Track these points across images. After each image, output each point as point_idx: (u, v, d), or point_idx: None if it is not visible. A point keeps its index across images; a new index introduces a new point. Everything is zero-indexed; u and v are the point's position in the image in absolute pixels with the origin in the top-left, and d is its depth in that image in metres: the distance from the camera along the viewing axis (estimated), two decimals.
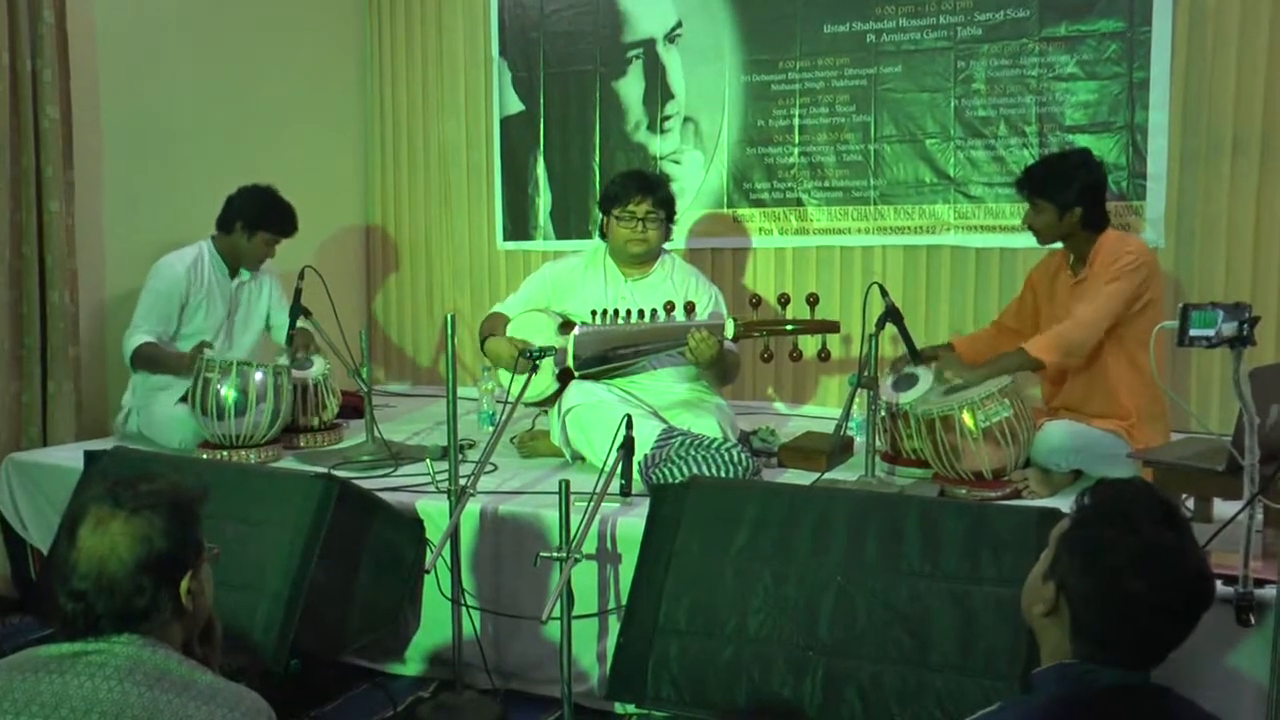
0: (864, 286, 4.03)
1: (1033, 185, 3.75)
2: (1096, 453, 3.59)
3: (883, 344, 3.78)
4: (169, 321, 4.38)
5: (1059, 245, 3.87)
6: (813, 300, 3.63)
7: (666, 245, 4.26)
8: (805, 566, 2.83)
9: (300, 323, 4.29)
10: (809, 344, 4.01)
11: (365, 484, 3.55)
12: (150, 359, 4.26)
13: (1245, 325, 2.44)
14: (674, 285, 4.14)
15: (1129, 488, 1.82)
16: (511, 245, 5.86)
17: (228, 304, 4.52)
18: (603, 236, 4.19)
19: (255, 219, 4.42)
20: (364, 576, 3.33)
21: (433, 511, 3.50)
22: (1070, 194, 3.67)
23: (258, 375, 4.11)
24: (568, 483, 2.92)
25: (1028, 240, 4.02)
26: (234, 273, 4.54)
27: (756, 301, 3.73)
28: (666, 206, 4.10)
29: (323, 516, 3.17)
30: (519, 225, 5.84)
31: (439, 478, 3.25)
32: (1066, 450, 3.59)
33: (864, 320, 3.70)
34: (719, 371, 4.01)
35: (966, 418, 3.49)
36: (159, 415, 4.28)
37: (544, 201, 5.77)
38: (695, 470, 3.51)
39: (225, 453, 4.10)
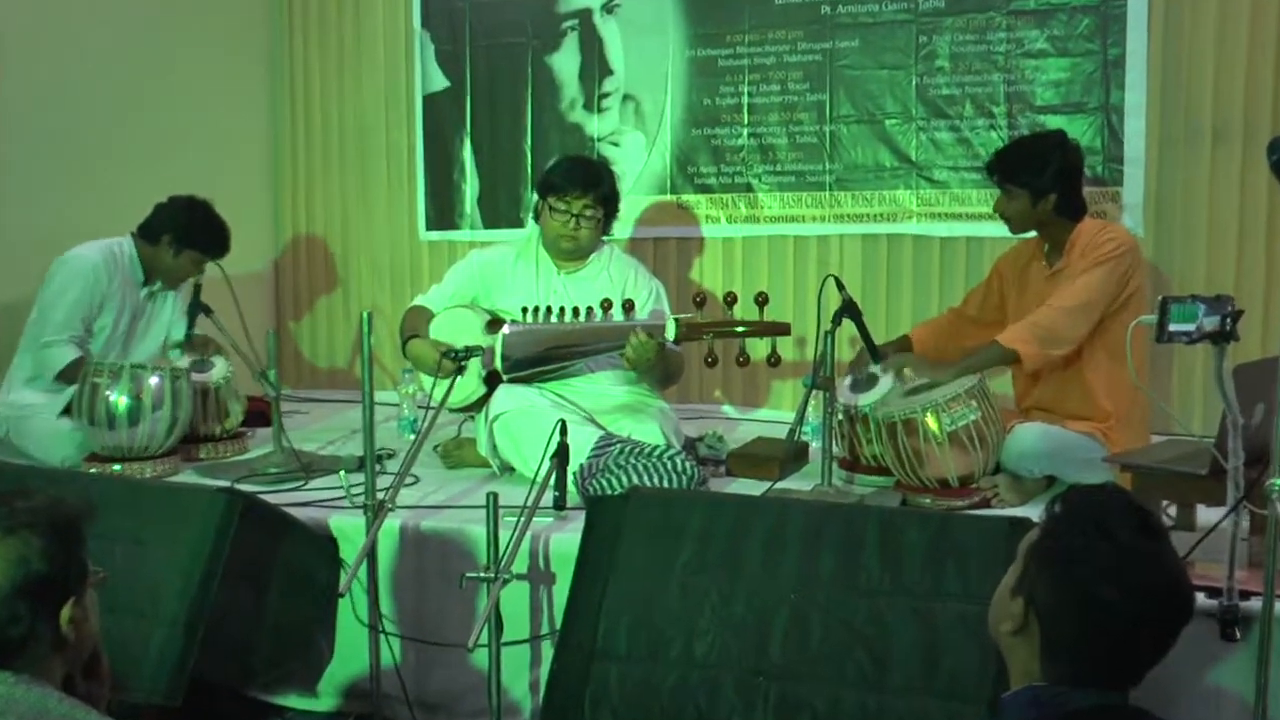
0: (819, 279, 4.09)
1: (1004, 169, 3.76)
2: (1071, 457, 3.62)
3: (840, 342, 3.81)
4: (89, 322, 4.32)
5: (1033, 234, 3.89)
6: (761, 300, 3.60)
7: (605, 236, 4.24)
8: (756, 583, 2.82)
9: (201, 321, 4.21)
10: (758, 347, 4.02)
11: (273, 499, 3.51)
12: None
13: (1228, 319, 2.48)
14: (611, 279, 4.13)
15: (1101, 494, 1.83)
16: (435, 235, 5.83)
17: (133, 310, 4.46)
18: (536, 218, 4.16)
19: (185, 235, 4.37)
20: (272, 601, 3.28)
21: (348, 529, 3.45)
22: (1045, 179, 3.69)
23: (153, 379, 4.04)
24: (496, 496, 2.89)
25: (996, 229, 4.06)
26: (148, 280, 4.48)
27: (701, 300, 3.72)
28: (607, 204, 4.09)
29: (225, 535, 3.11)
30: (443, 213, 5.80)
31: (354, 491, 3.21)
32: (1038, 454, 3.62)
33: (819, 316, 3.71)
34: (660, 375, 4.02)
35: (930, 421, 3.50)
36: (38, 429, 4.19)
37: (471, 187, 5.74)
38: (636, 480, 3.50)
39: (117, 466, 4.01)
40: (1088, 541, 1.74)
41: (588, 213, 4.03)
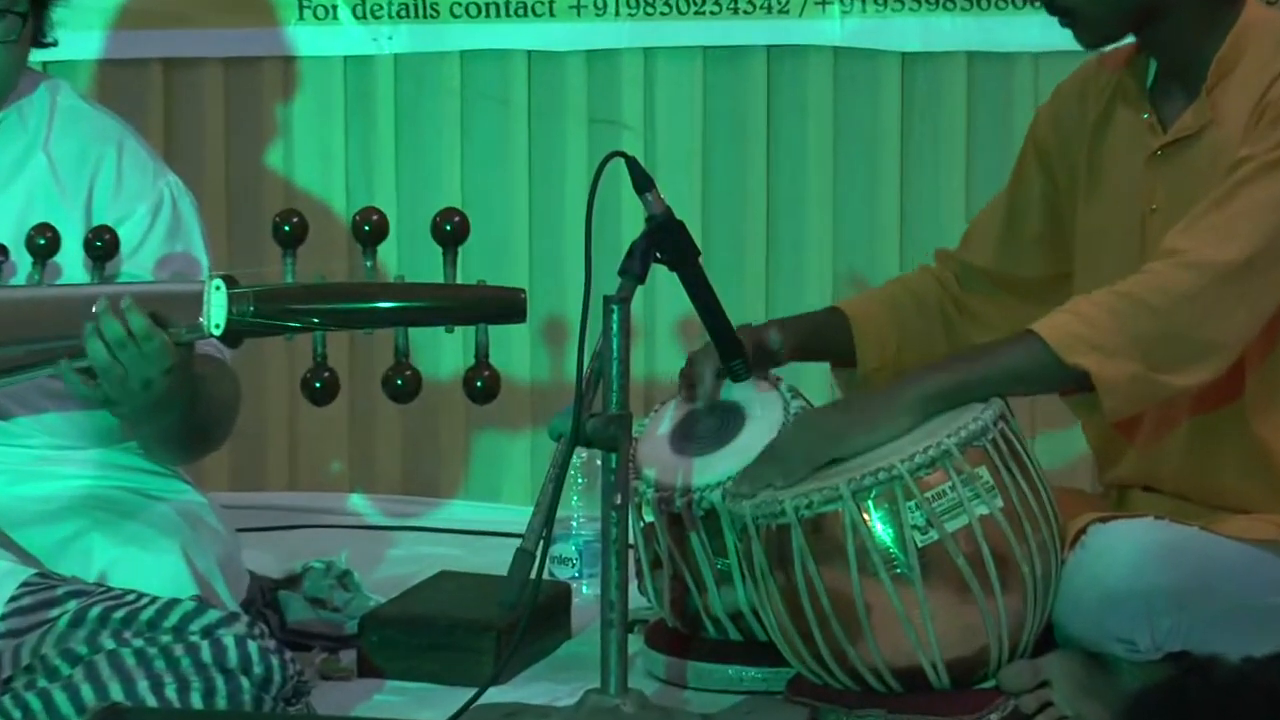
0: (591, 167, 2.77)
1: None
2: (1223, 600, 2.38)
3: (650, 331, 3.21)
4: None
5: (1128, 41, 2.52)
6: (453, 231, 2.38)
7: (32, 60, 2.80)
8: None
9: None
10: (443, 349, 2.98)
11: None
12: None
13: None
14: (54, 172, 2.80)
15: (1258, 680, 1.16)
16: None
17: None
18: None
19: None
20: None
21: None
22: None
23: None
24: None
25: (1057, 35, 2.60)
26: None
27: (294, 230, 2.40)
28: None
29: None
30: None
31: None
32: (1147, 597, 2.37)
33: (588, 263, 2.53)
34: (180, 420, 2.67)
35: (875, 521, 2.44)
36: None
37: None
38: (117, 694, 2.46)
39: None
40: None
41: None
